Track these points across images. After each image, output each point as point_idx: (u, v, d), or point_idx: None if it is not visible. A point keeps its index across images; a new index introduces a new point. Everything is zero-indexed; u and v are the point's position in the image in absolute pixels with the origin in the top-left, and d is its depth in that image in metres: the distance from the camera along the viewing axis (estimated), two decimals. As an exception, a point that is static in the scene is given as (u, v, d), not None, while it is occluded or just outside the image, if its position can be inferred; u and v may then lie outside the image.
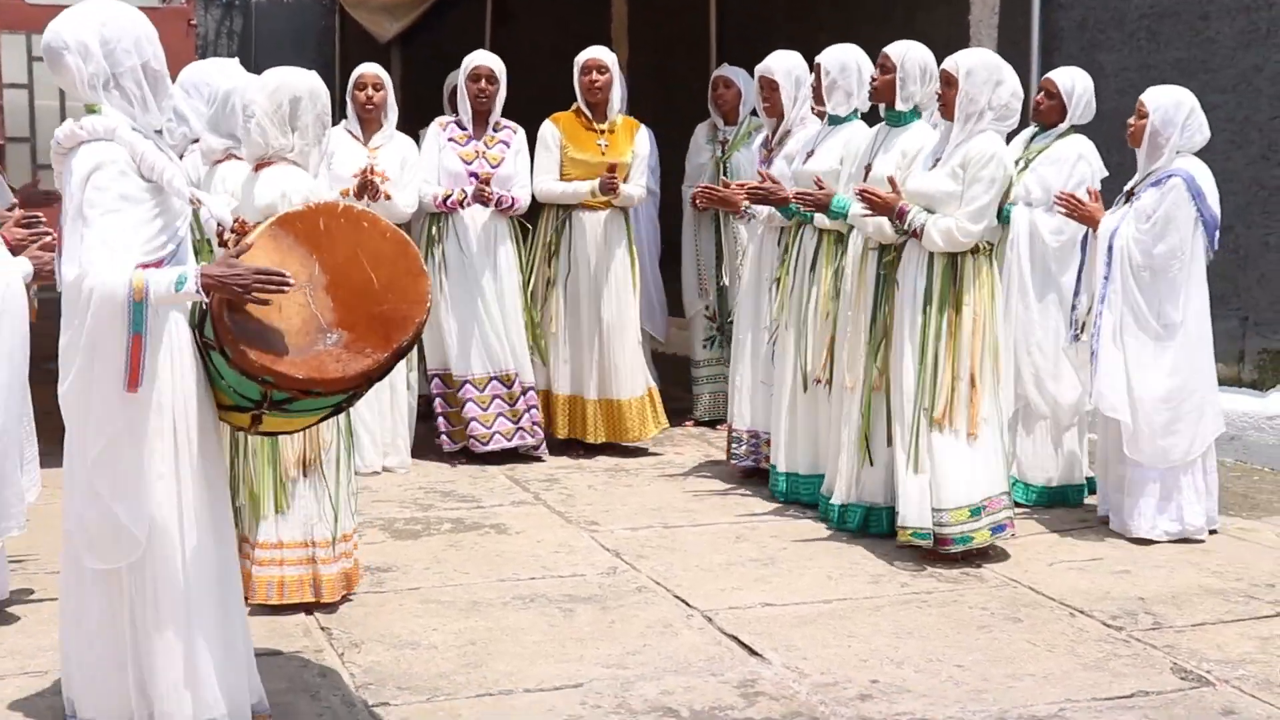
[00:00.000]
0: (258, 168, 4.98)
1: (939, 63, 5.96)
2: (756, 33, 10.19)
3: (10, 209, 5.36)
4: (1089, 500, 6.62)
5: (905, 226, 5.66)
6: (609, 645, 4.89)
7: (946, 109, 5.73)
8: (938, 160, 5.76)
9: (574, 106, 7.56)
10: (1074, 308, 6.17)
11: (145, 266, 3.67)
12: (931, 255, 5.67)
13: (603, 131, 7.52)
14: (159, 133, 3.92)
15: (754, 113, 8.18)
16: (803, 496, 6.60)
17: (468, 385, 7.28)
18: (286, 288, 3.63)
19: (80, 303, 3.63)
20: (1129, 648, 4.85)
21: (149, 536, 3.80)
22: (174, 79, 6.67)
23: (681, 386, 8.74)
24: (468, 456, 7.40)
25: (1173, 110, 5.93)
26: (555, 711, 4.35)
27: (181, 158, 5.16)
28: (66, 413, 3.82)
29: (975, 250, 5.66)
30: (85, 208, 3.65)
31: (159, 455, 3.79)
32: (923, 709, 4.37)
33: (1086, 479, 6.66)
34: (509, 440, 7.37)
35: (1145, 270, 5.90)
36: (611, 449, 7.65)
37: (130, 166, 3.71)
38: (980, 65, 5.69)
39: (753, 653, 4.83)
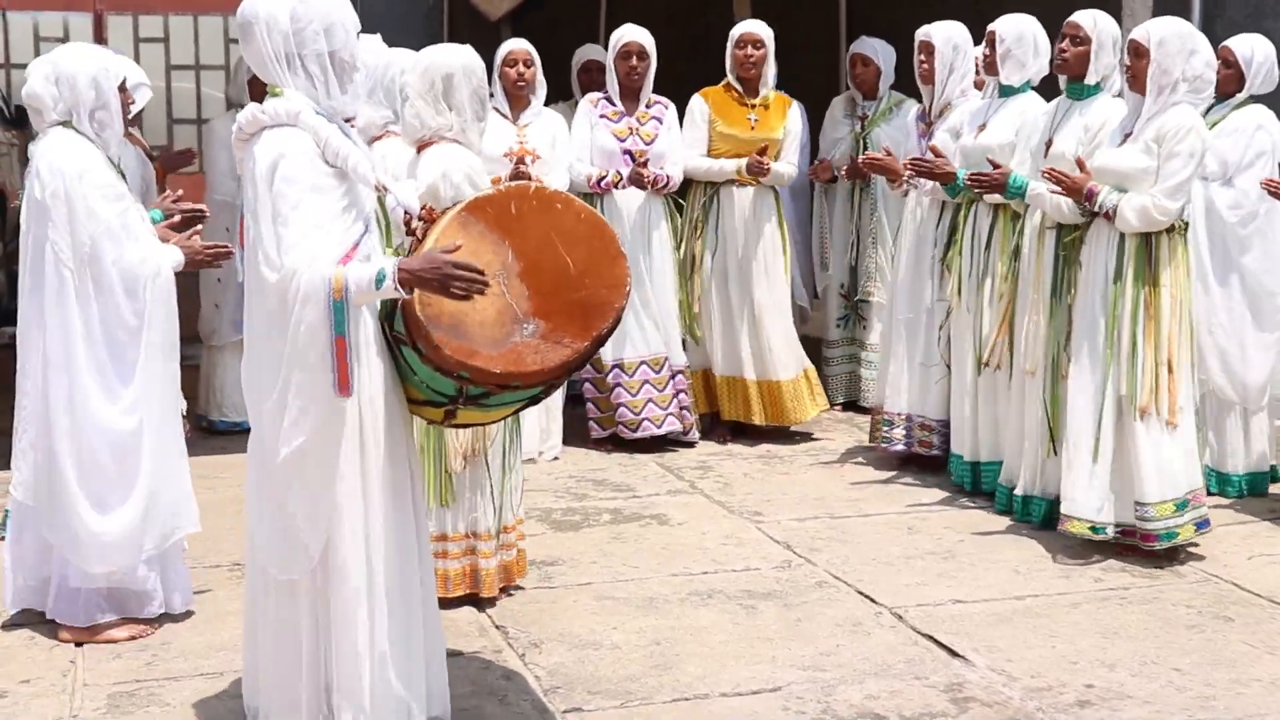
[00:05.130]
0: (419, 149, 4.79)
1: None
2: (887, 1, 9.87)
3: (164, 195, 5.21)
4: (1274, 489, 6.33)
5: (1096, 208, 5.36)
6: (800, 645, 4.67)
7: (1136, 81, 5.43)
8: (1127, 136, 5.46)
9: (724, 81, 7.33)
10: None
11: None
12: (1124, 235, 5.37)
13: (754, 106, 7.28)
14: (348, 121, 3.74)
15: (893, 87, 7.94)
16: (985, 485, 6.31)
17: (617, 370, 7.05)
18: (483, 286, 3.45)
19: (285, 305, 3.47)
20: (1357, 650, 4.57)
21: (330, 542, 3.64)
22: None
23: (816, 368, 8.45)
24: (616, 443, 7.19)
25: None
26: (757, 717, 4.15)
27: None
28: (256, 413, 3.66)
29: (1170, 229, 5.36)
30: (278, 201, 3.50)
31: (344, 456, 3.63)
32: (1149, 717, 4.12)
33: (1270, 466, 6.36)
34: (658, 427, 7.14)
35: None
36: (757, 431, 7.40)
37: (315, 151, 3.55)
38: (1173, 35, 5.38)
39: (954, 654, 4.59)
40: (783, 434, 7.47)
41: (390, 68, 5.13)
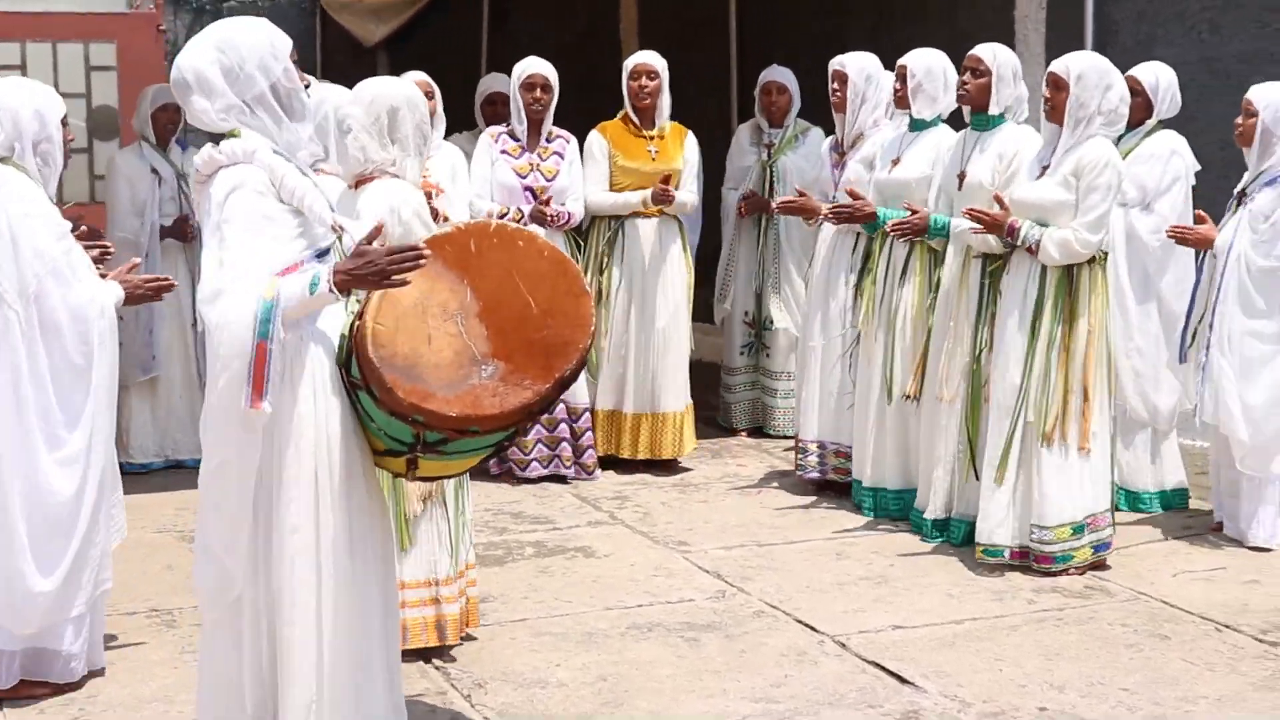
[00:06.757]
0: (357, 184, 4.66)
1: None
2: (780, 29, 9.94)
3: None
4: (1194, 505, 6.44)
5: (1019, 242, 5.43)
6: (749, 677, 4.63)
7: (1055, 113, 5.51)
8: (1044, 169, 5.54)
9: (620, 114, 7.31)
10: (1185, 327, 5.93)
11: None
12: (1044, 265, 5.45)
13: (652, 138, 7.27)
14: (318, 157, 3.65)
15: (800, 114, 7.97)
16: (892, 512, 6.35)
17: None
18: (423, 260, 3.36)
19: (215, 325, 3.39)
20: (1294, 664, 4.65)
21: (280, 589, 3.52)
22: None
23: (715, 393, 8.44)
24: (512, 479, 7.09)
25: (1283, 107, 5.76)
26: (718, 753, 4.09)
27: None
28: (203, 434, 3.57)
29: (1090, 260, 5.45)
30: (224, 229, 3.43)
31: (296, 505, 3.51)
32: (1106, 739, 4.15)
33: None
34: (545, 467, 7.08)
35: (1263, 274, 5.71)
36: (647, 464, 7.32)
37: (269, 189, 3.47)
38: (1091, 68, 5.50)
39: (903, 681, 4.58)
40: (669, 463, 7.37)
41: (323, 105, 4.98)
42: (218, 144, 3.56)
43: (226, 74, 3.49)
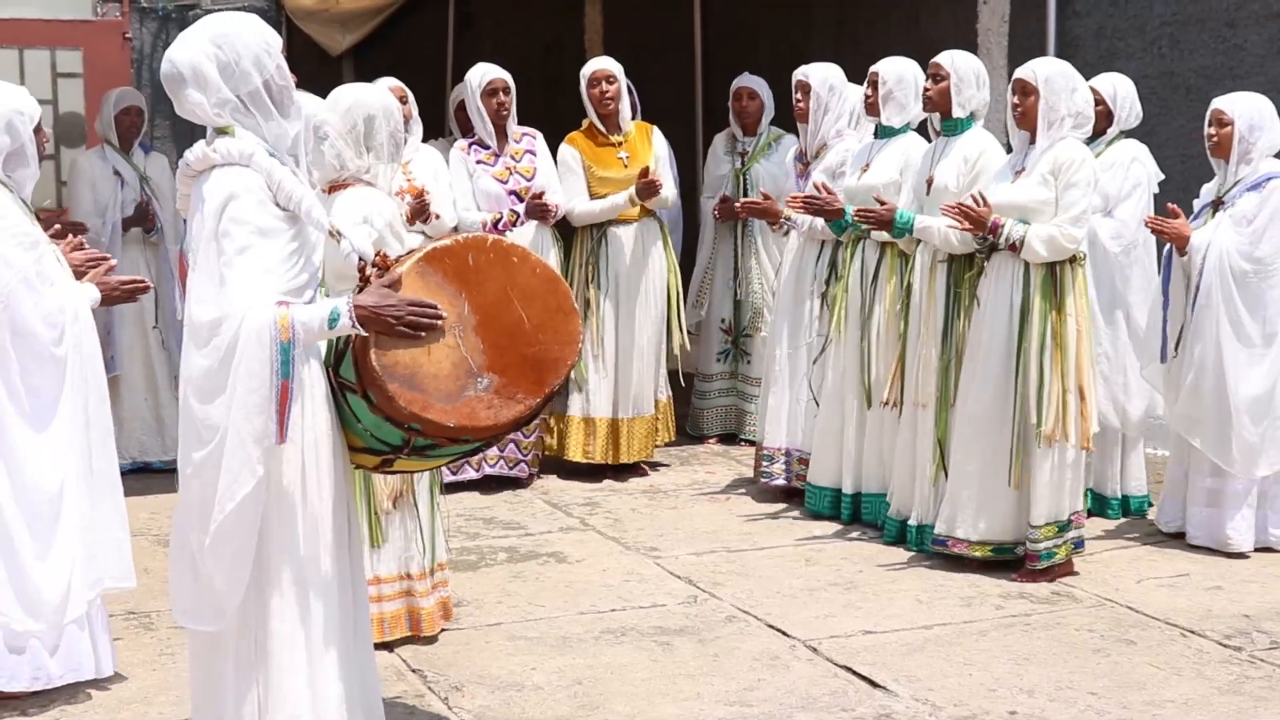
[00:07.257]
0: (330, 190, 4.70)
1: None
2: (744, 39, 10.01)
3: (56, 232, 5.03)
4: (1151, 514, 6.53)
5: (1002, 240, 5.50)
6: (722, 681, 4.68)
7: (1026, 119, 5.60)
8: (1018, 173, 5.63)
9: (585, 123, 7.37)
10: (1165, 322, 6.01)
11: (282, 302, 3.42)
12: (1028, 267, 5.53)
13: (620, 143, 7.33)
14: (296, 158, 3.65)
15: (772, 123, 8.05)
16: (863, 515, 6.42)
17: None
18: (439, 321, 3.41)
19: (220, 349, 3.37)
20: (1257, 669, 4.74)
21: (268, 589, 3.54)
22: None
23: (686, 401, 8.49)
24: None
25: (1256, 115, 5.88)
26: (694, 755, 4.14)
27: None
28: (187, 459, 3.53)
29: (1071, 259, 5.54)
30: (223, 242, 3.40)
31: (285, 501, 3.52)
32: (1075, 741, 4.22)
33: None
34: (476, 471, 7.10)
35: (1247, 277, 5.81)
36: (609, 469, 7.38)
37: (267, 195, 3.46)
38: (1056, 73, 5.60)
39: (874, 685, 4.64)
40: (632, 468, 7.44)
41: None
42: (211, 142, 3.55)
43: (223, 69, 3.47)
